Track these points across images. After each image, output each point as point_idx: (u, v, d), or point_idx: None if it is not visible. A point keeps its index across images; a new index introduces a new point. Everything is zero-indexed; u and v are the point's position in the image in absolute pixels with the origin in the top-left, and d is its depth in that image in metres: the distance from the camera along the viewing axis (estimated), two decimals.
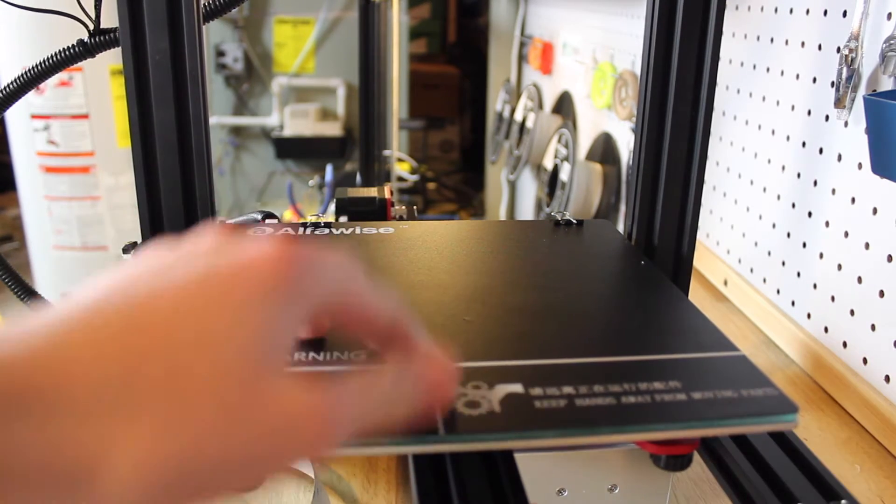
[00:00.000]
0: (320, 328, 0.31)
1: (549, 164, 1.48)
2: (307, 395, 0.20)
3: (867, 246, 0.57)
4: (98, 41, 0.54)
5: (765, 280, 0.74)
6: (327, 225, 0.52)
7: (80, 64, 0.55)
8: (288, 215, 1.69)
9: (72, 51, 0.54)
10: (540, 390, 0.30)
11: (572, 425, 0.28)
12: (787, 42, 0.70)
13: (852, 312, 0.59)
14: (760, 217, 0.75)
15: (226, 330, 0.19)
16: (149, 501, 0.17)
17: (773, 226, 0.72)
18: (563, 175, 1.36)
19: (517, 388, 0.30)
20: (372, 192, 0.61)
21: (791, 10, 0.69)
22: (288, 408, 0.20)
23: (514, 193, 2.05)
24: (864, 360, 0.57)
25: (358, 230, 0.50)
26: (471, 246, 0.49)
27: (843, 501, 0.33)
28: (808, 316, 0.66)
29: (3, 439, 0.16)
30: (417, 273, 0.43)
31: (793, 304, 0.68)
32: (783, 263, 0.70)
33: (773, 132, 0.73)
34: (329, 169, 1.71)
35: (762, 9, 0.75)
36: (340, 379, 0.22)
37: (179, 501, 0.18)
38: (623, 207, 1.19)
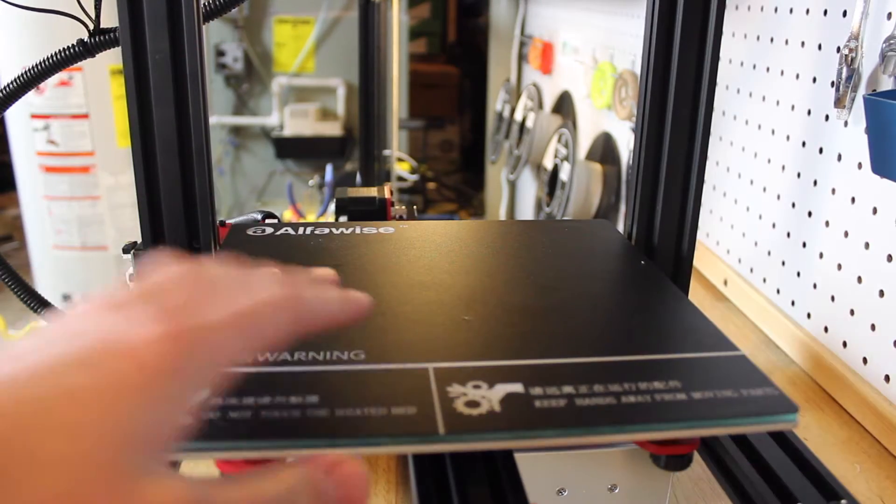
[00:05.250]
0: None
1: (549, 163, 1.48)
2: (171, 496, 0.19)
3: (867, 246, 0.57)
4: (98, 41, 0.54)
5: (765, 280, 0.74)
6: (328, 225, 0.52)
7: (80, 64, 0.55)
8: (288, 215, 1.69)
9: (72, 51, 0.54)
10: (540, 390, 0.30)
11: (572, 425, 0.28)
12: (787, 42, 0.70)
13: (852, 312, 0.59)
14: (760, 217, 0.75)
15: (91, 421, 0.18)
16: None
17: (773, 225, 0.72)
18: (563, 175, 1.36)
19: (517, 387, 0.30)
20: (372, 191, 0.61)
21: (791, 10, 0.69)
22: None
23: (514, 193, 2.05)
24: (864, 360, 0.57)
25: (358, 230, 0.50)
26: (471, 246, 0.49)
27: (842, 501, 0.33)
28: (808, 316, 0.66)
29: None
30: (417, 273, 0.43)
31: (793, 303, 0.68)
32: (783, 263, 0.70)
33: (772, 132, 0.73)
34: (329, 169, 1.71)
35: (762, 9, 0.75)
36: (224, 485, 0.21)
37: None
38: (623, 207, 1.19)
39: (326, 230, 0.50)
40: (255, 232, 0.50)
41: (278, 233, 0.50)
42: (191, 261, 0.26)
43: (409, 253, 0.46)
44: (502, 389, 0.30)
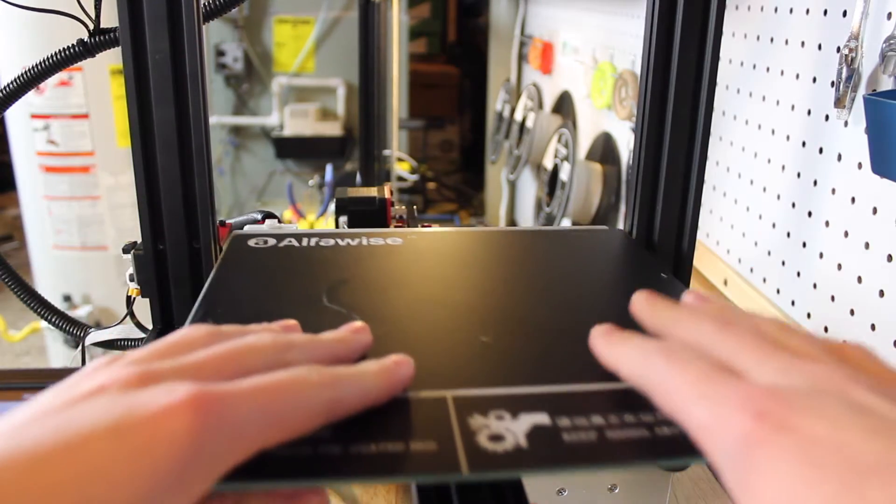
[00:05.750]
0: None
1: (549, 163, 1.48)
2: None
3: (867, 246, 0.57)
4: (98, 41, 0.54)
5: (765, 280, 0.74)
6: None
7: (80, 64, 0.55)
8: (288, 215, 1.70)
9: (72, 50, 0.54)
10: (567, 421, 0.27)
11: (606, 461, 0.26)
12: (787, 42, 0.70)
13: (852, 312, 0.59)
14: (760, 217, 0.75)
15: (123, 500, 0.19)
16: None
17: (773, 225, 0.73)
18: (563, 175, 1.36)
19: (543, 418, 0.28)
20: (372, 191, 0.61)
21: (791, 10, 0.69)
22: None
23: (514, 193, 2.05)
24: None
25: (364, 241, 0.48)
26: (483, 258, 0.47)
27: None
28: (808, 316, 0.66)
29: None
30: (428, 288, 0.41)
31: (793, 303, 0.68)
32: (783, 263, 0.70)
33: (772, 132, 0.73)
34: (329, 169, 1.71)
35: (762, 9, 0.75)
36: None
37: None
38: (623, 207, 1.19)
39: (332, 241, 0.48)
40: (257, 243, 0.47)
41: (282, 244, 0.47)
42: (228, 328, 0.27)
43: (418, 266, 0.45)
44: (527, 420, 0.27)
